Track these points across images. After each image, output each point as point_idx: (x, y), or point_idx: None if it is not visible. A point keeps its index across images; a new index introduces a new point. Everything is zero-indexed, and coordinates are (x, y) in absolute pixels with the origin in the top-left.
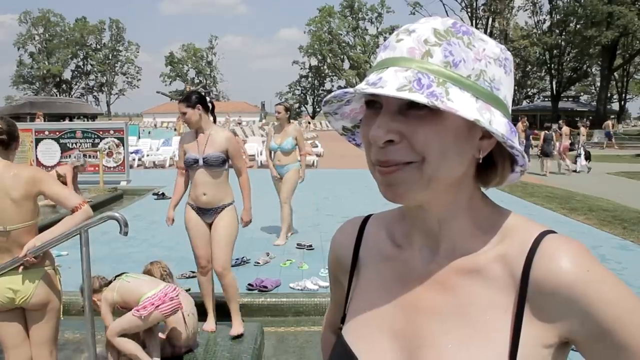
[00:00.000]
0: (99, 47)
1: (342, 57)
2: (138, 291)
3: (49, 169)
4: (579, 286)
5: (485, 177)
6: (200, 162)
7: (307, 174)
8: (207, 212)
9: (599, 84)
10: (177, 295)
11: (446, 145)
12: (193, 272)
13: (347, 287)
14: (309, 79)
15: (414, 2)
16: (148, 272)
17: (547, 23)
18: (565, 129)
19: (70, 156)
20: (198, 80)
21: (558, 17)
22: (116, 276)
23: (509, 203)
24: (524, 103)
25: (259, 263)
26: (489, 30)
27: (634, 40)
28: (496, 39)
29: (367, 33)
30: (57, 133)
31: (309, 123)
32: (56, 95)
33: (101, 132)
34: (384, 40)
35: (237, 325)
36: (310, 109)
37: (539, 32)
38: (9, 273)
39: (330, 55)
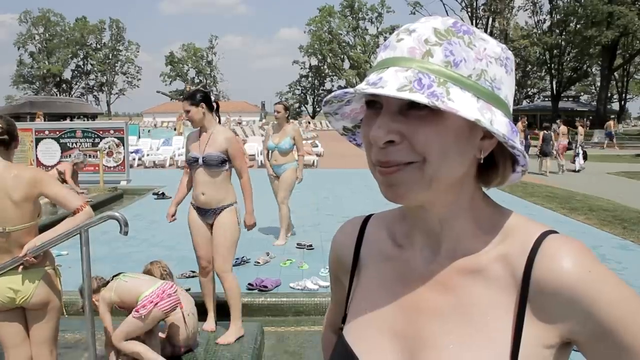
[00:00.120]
0: (99, 46)
1: (342, 57)
2: (136, 290)
3: (49, 168)
4: (581, 286)
5: (487, 177)
6: (200, 161)
7: (307, 173)
8: (206, 213)
9: (599, 83)
10: (175, 292)
11: (447, 145)
12: (193, 271)
13: (348, 287)
14: (309, 79)
15: (414, 2)
16: (148, 272)
17: (547, 23)
18: (563, 129)
19: (70, 156)
20: (198, 80)
21: (558, 17)
22: (114, 276)
23: (509, 203)
24: (524, 103)
25: (259, 263)
26: (489, 30)
27: (634, 40)
28: (496, 39)
29: (367, 33)
30: (57, 133)
31: (309, 123)
32: (56, 95)
33: (101, 132)
34: (384, 40)
35: (232, 332)
36: (310, 109)
37: (539, 32)
38: (10, 273)
39: (330, 55)
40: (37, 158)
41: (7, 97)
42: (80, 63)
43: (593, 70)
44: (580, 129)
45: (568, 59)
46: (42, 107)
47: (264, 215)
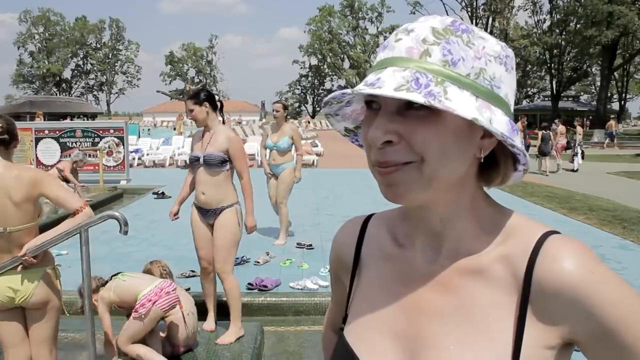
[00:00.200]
0: (99, 46)
1: (342, 56)
2: (134, 289)
3: (49, 168)
4: (583, 287)
5: (488, 177)
6: (201, 160)
7: (306, 173)
8: (206, 213)
9: (599, 83)
10: (173, 290)
11: (446, 144)
12: (193, 271)
13: (348, 287)
14: (309, 78)
15: (414, 1)
16: (148, 272)
17: (547, 23)
18: (561, 128)
19: (69, 155)
20: (198, 80)
21: (558, 16)
22: (112, 276)
23: (509, 203)
24: (524, 102)
25: (259, 262)
26: (489, 30)
27: (634, 40)
28: (496, 39)
29: (367, 32)
30: (57, 132)
31: (309, 122)
32: (56, 95)
33: (101, 131)
34: (384, 39)
35: (232, 332)
36: (310, 109)
37: (539, 31)
38: (9, 272)
39: (330, 54)
40: (36, 157)
41: (7, 96)
42: (80, 62)
43: (593, 70)
44: (579, 129)
45: (568, 58)
46: (42, 107)
47: (264, 215)
